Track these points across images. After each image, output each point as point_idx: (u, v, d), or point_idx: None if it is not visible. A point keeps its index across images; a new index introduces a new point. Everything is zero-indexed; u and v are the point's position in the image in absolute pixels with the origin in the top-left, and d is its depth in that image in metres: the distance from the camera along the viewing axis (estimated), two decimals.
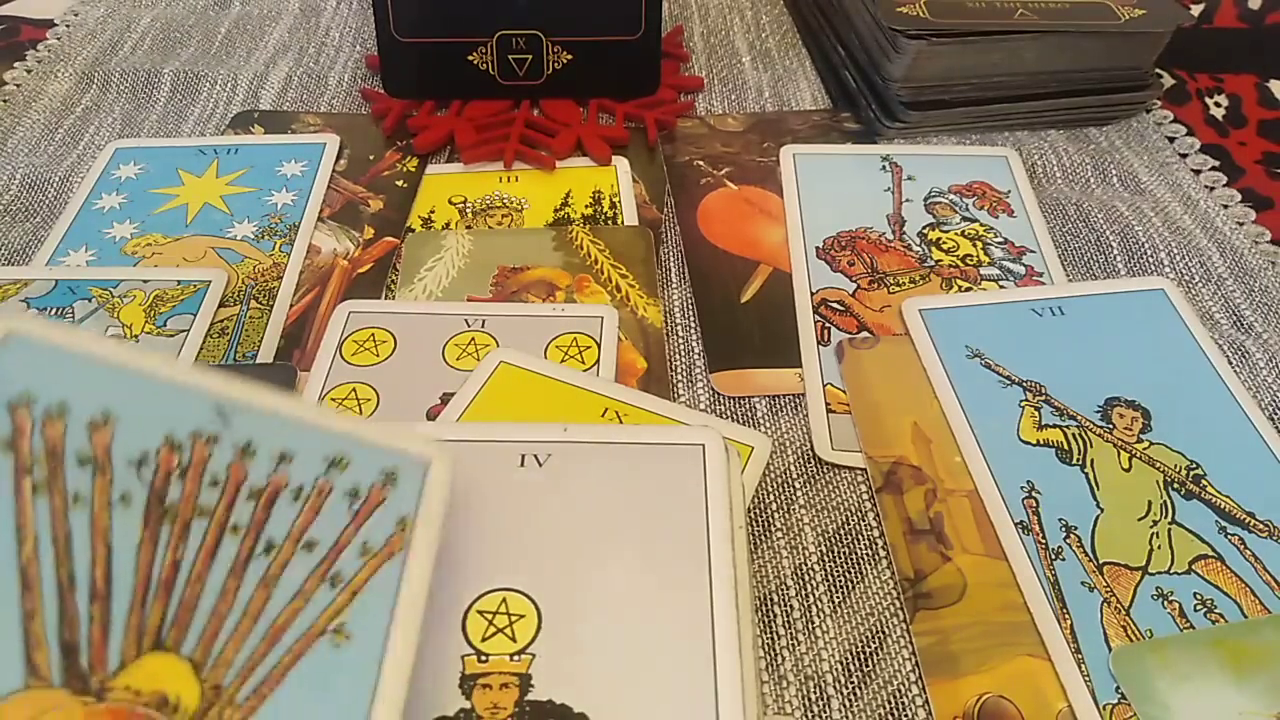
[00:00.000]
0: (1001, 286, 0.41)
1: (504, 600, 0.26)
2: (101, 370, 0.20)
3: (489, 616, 0.25)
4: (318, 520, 0.20)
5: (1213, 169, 0.49)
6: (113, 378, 0.20)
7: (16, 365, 0.20)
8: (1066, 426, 0.35)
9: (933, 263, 0.42)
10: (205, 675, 0.18)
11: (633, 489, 0.28)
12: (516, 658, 0.25)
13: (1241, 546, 0.31)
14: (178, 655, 0.18)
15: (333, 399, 0.35)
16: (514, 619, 0.25)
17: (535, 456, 0.30)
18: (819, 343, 0.38)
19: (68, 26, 0.58)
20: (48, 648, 0.17)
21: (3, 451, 0.19)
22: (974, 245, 0.43)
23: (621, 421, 0.33)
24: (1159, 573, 0.30)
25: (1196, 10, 0.59)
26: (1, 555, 0.18)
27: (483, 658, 0.24)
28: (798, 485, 0.34)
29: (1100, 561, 0.30)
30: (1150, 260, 0.43)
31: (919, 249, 0.43)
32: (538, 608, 0.26)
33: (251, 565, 0.20)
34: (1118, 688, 0.27)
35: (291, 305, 0.40)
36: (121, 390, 0.20)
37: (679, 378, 0.37)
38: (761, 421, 0.36)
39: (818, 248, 0.43)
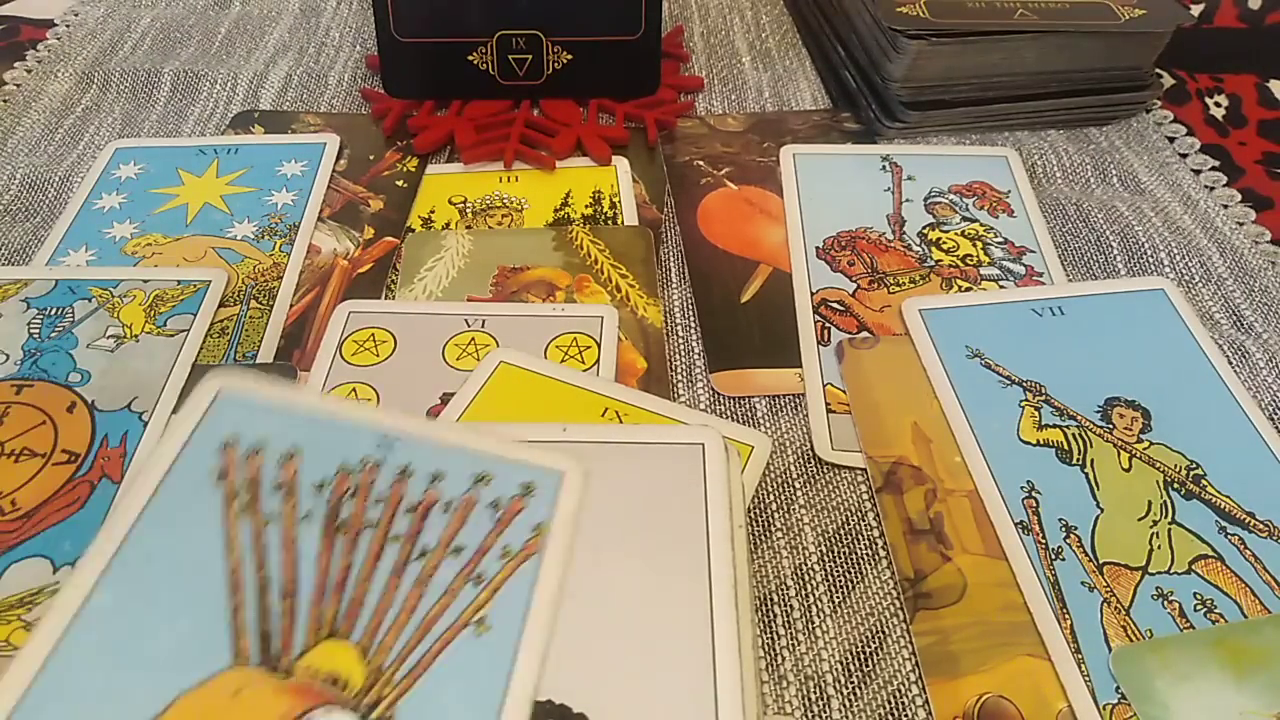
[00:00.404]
0: (1001, 286, 0.41)
1: None
2: (291, 415, 0.26)
3: None
4: (465, 528, 0.24)
5: (1213, 169, 0.49)
6: (299, 420, 0.25)
7: (226, 415, 0.25)
8: (1066, 426, 0.35)
9: (933, 263, 0.42)
10: (370, 659, 0.22)
11: (632, 488, 0.28)
12: None
13: (1241, 546, 0.31)
14: (348, 642, 0.22)
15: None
16: None
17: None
18: (819, 343, 0.38)
19: (68, 26, 0.58)
20: (249, 636, 0.21)
21: (216, 483, 0.24)
22: (974, 245, 0.43)
23: (621, 421, 0.33)
24: (1159, 573, 0.30)
25: (1196, 10, 0.59)
26: (214, 564, 0.22)
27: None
28: (798, 485, 0.34)
29: (1100, 561, 0.30)
30: (1150, 260, 0.43)
31: (919, 249, 0.43)
32: None
33: (409, 568, 0.23)
34: (1118, 688, 0.27)
35: (291, 305, 0.40)
36: (306, 430, 0.25)
37: (679, 378, 0.37)
38: (761, 421, 0.36)
39: (818, 248, 0.43)
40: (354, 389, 0.35)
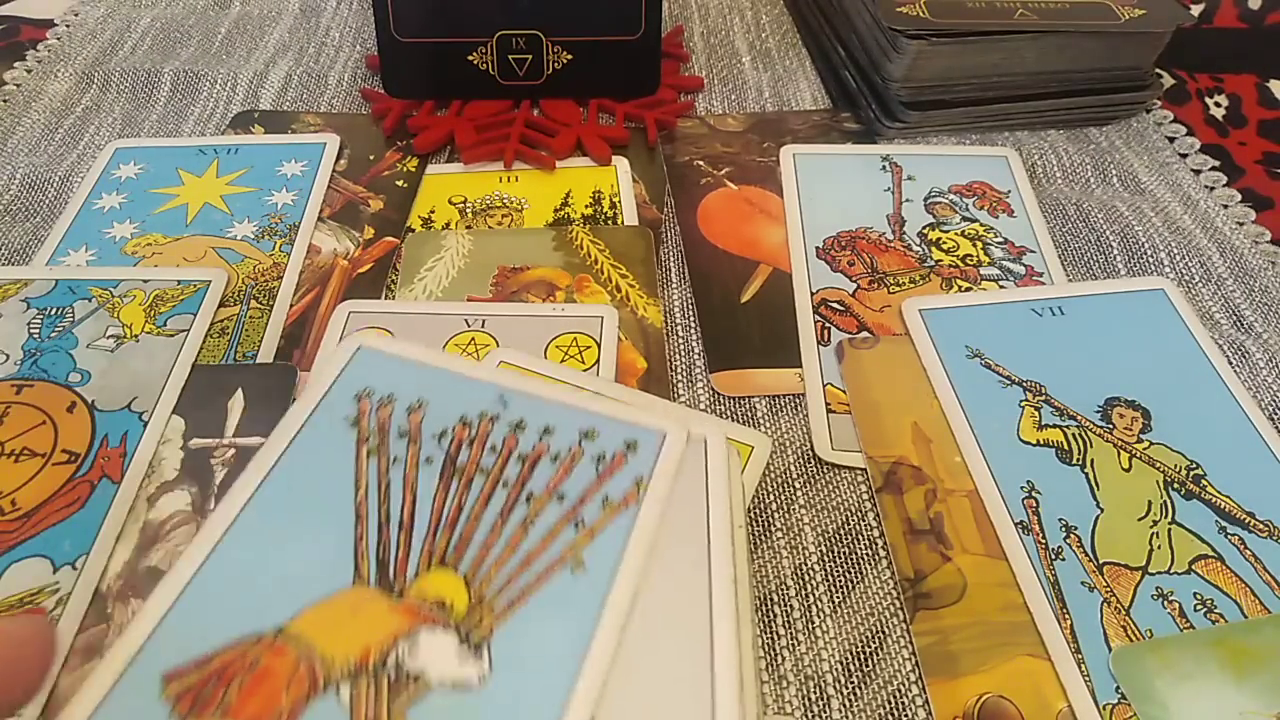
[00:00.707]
0: (1001, 286, 0.41)
1: None
2: (421, 369, 0.28)
3: None
4: (569, 478, 0.26)
5: (1213, 169, 0.49)
6: (427, 375, 0.28)
7: (362, 369, 0.28)
8: (1066, 426, 0.35)
9: (933, 263, 0.42)
10: (474, 588, 0.24)
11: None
12: None
13: (1241, 546, 0.31)
14: (455, 572, 0.24)
15: None
16: None
17: None
18: (819, 343, 0.38)
19: (68, 26, 0.58)
20: (369, 562, 0.24)
21: (350, 427, 0.27)
22: (974, 245, 0.43)
23: None
24: (1159, 573, 0.30)
25: (1196, 10, 0.59)
26: (344, 497, 0.25)
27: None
28: (798, 485, 0.34)
29: (1100, 561, 0.30)
30: (1150, 260, 0.43)
31: (919, 249, 0.43)
32: None
33: (515, 510, 0.25)
34: (1118, 688, 0.27)
35: (291, 305, 0.40)
36: (432, 384, 0.28)
37: (679, 378, 0.37)
38: (761, 421, 0.36)
39: (818, 248, 0.43)
40: None
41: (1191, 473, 0.33)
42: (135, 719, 0.21)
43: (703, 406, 0.36)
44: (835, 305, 0.40)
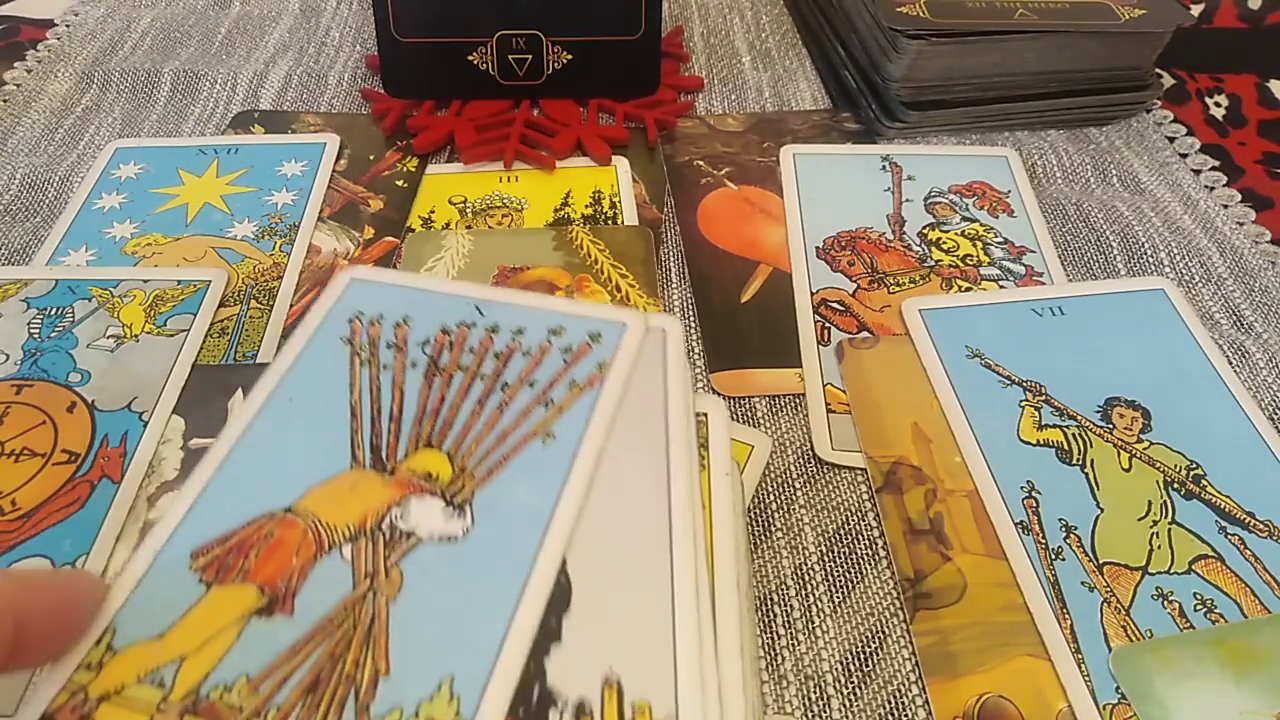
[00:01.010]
0: (1001, 286, 0.41)
1: None
2: (406, 291, 0.32)
3: None
4: (540, 368, 0.29)
5: (1213, 169, 0.49)
6: (413, 295, 0.31)
7: (354, 296, 0.31)
8: (1066, 426, 0.35)
9: (933, 263, 0.42)
10: (456, 461, 0.27)
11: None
12: None
13: (1241, 546, 0.31)
14: (439, 450, 0.27)
15: None
16: None
17: None
18: (819, 343, 0.38)
19: (68, 26, 0.58)
20: (364, 449, 0.27)
21: (344, 344, 0.30)
22: (974, 245, 0.43)
23: None
24: (1159, 573, 0.30)
25: (1196, 10, 0.59)
26: (340, 400, 0.29)
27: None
28: (798, 485, 0.34)
29: (1100, 561, 0.30)
30: (1150, 260, 0.43)
31: (919, 249, 0.43)
32: None
33: (492, 397, 0.29)
34: (1118, 688, 0.27)
35: (291, 305, 0.40)
36: (417, 302, 0.31)
37: None
38: (761, 421, 0.36)
39: (818, 248, 0.43)
40: None
41: (1191, 473, 0.33)
42: (169, 589, 0.24)
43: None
44: (835, 305, 0.40)
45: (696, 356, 0.38)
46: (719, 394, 0.36)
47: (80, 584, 0.24)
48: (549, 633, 0.25)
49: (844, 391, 0.36)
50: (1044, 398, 0.35)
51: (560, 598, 0.26)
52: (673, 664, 0.25)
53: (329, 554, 0.25)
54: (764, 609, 0.30)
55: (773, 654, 0.29)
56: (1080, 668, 0.28)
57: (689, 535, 0.27)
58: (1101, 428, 0.34)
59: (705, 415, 0.31)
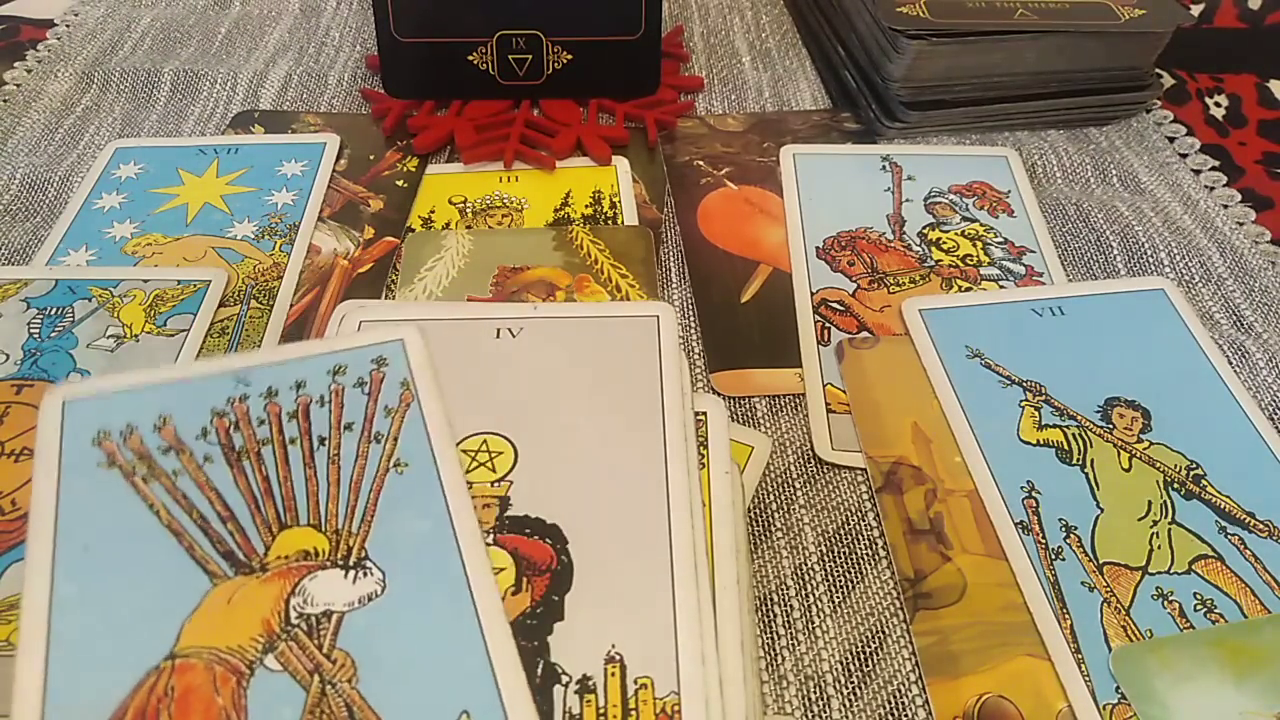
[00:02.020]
0: (1001, 286, 0.41)
1: (484, 441, 0.30)
2: (141, 394, 0.28)
3: (471, 454, 0.30)
4: (345, 409, 0.28)
5: (1213, 169, 0.49)
6: (152, 395, 0.28)
7: (80, 419, 0.27)
8: (1066, 426, 0.34)
9: (933, 263, 0.42)
10: (324, 528, 0.25)
11: (597, 352, 0.32)
12: (496, 484, 0.29)
13: (1241, 546, 0.31)
14: (300, 525, 0.25)
15: None
16: (494, 455, 0.30)
17: (509, 330, 0.34)
18: (819, 343, 0.38)
19: (68, 26, 0.58)
20: (215, 560, 0.25)
21: (107, 468, 0.26)
22: (974, 245, 0.43)
23: None
24: (1159, 573, 0.30)
25: (1196, 10, 0.59)
26: (151, 527, 0.25)
27: (468, 486, 0.29)
28: (798, 485, 0.34)
29: (1100, 561, 0.30)
30: (1150, 260, 0.43)
31: (919, 249, 0.43)
32: (514, 447, 0.30)
33: (317, 455, 0.27)
34: (1118, 688, 0.27)
35: (291, 305, 0.40)
36: (163, 399, 0.28)
37: None
38: (761, 421, 0.36)
39: (818, 248, 0.43)
40: None
41: (1191, 473, 0.33)
42: None
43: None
44: (835, 305, 0.40)
45: (696, 356, 0.38)
46: (718, 394, 0.36)
47: None
48: (551, 611, 0.25)
49: (844, 391, 0.36)
50: (1044, 398, 0.35)
51: (562, 577, 0.26)
52: (674, 642, 0.25)
53: (253, 675, 0.23)
54: (764, 609, 0.30)
55: (773, 654, 0.29)
56: (1080, 668, 0.28)
57: (687, 516, 0.27)
58: (1101, 428, 0.34)
59: (705, 414, 0.31)
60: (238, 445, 0.27)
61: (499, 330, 0.34)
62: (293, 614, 0.23)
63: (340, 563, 0.25)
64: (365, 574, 0.24)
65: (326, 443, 0.27)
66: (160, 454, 0.27)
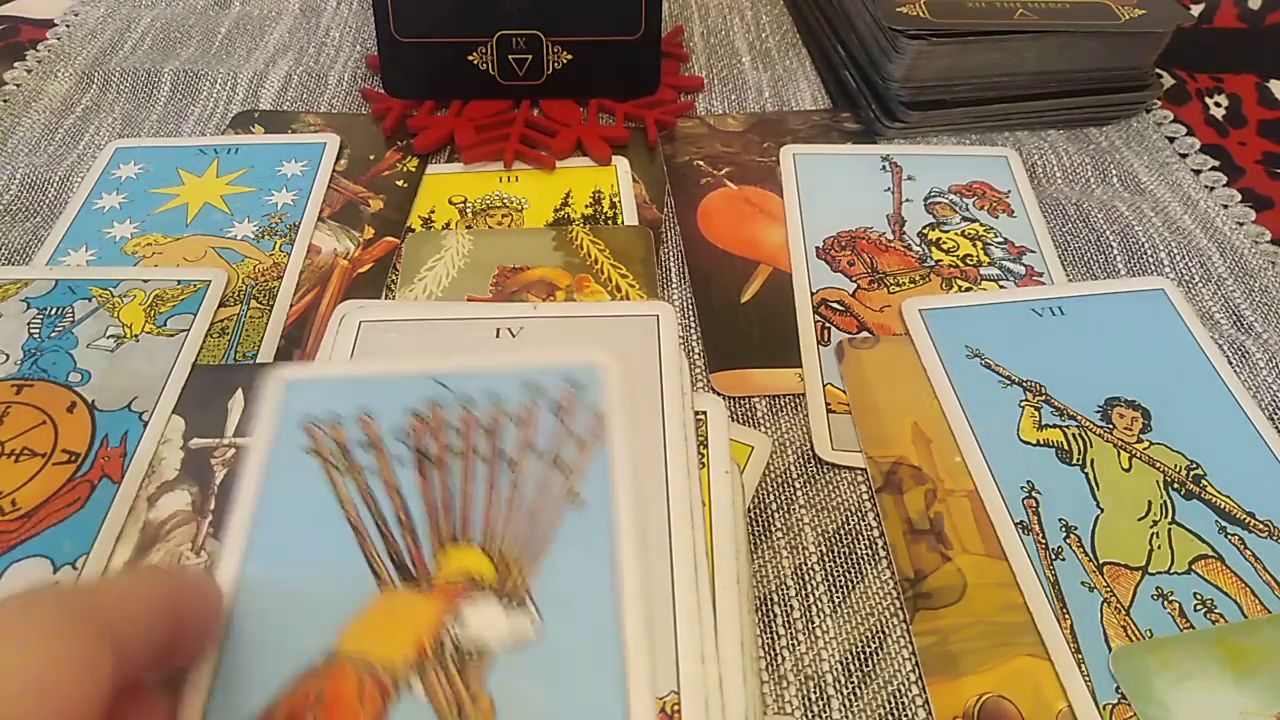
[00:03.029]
0: (1001, 286, 0.41)
1: None
2: (353, 384, 0.29)
3: None
4: (536, 432, 0.27)
5: (1213, 169, 0.49)
6: (362, 386, 0.29)
7: (297, 399, 0.28)
8: (1066, 426, 0.34)
9: (933, 263, 0.42)
10: (493, 554, 0.25)
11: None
12: None
13: (1241, 546, 0.31)
14: (470, 546, 0.25)
15: None
16: None
17: (509, 330, 0.34)
18: (819, 343, 0.38)
19: (68, 26, 0.58)
20: (385, 565, 0.25)
21: (310, 456, 0.27)
22: (974, 245, 0.43)
23: None
24: (1159, 573, 0.30)
25: (1196, 10, 0.59)
26: (334, 518, 0.25)
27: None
28: (798, 485, 0.34)
29: (1100, 561, 0.30)
30: (1150, 260, 0.43)
31: (919, 249, 0.43)
32: None
33: (501, 475, 0.26)
34: (1118, 688, 0.27)
35: (291, 305, 0.40)
36: (371, 393, 0.28)
37: None
38: (761, 421, 0.36)
39: (818, 248, 0.43)
40: None
41: (1191, 473, 0.33)
42: None
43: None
44: (835, 305, 0.40)
45: (697, 356, 0.38)
46: (718, 394, 0.36)
47: (209, 585, 0.23)
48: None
49: (844, 391, 0.36)
50: (1044, 398, 0.35)
51: None
52: (674, 642, 0.25)
53: (398, 697, 0.22)
54: (764, 609, 0.30)
55: (773, 654, 0.29)
56: (1080, 668, 0.28)
57: (687, 516, 0.27)
58: (1101, 428, 0.34)
59: (704, 414, 0.31)
60: (430, 451, 0.27)
61: (499, 330, 0.34)
62: (448, 640, 0.23)
63: (502, 595, 0.24)
64: (523, 613, 0.24)
65: (512, 464, 0.27)
66: (358, 449, 0.27)
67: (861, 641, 0.29)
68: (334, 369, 0.30)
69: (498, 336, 0.34)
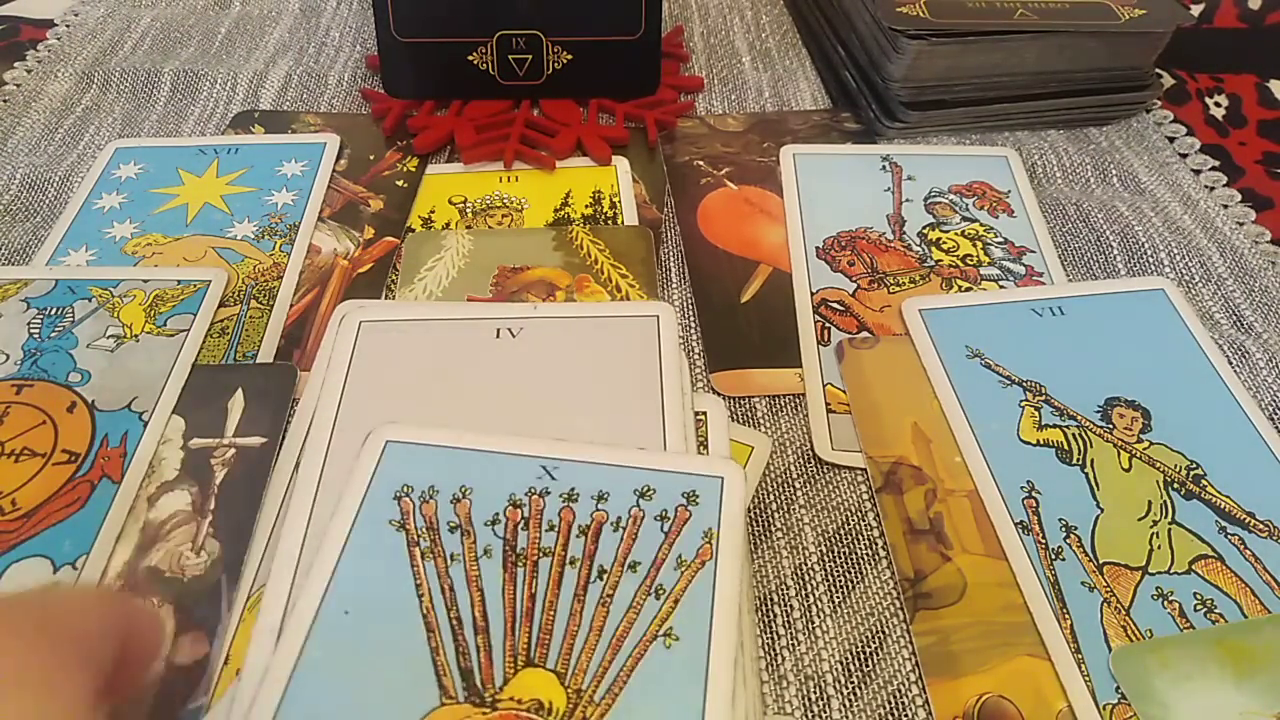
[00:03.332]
0: (1001, 286, 0.41)
1: None
2: (455, 455, 0.26)
3: None
4: (637, 543, 0.25)
5: (1213, 169, 0.49)
6: (463, 459, 0.26)
7: (394, 465, 0.26)
8: (1066, 426, 0.35)
9: (933, 263, 0.42)
10: (568, 682, 0.22)
11: (597, 352, 0.31)
12: None
13: (1241, 546, 0.31)
14: (545, 669, 0.22)
15: None
16: None
17: (509, 330, 0.34)
18: (819, 343, 0.38)
19: (68, 26, 0.58)
20: (452, 674, 0.22)
21: (396, 530, 0.25)
22: (974, 245, 0.43)
23: None
24: (1159, 573, 0.30)
25: (1196, 10, 0.59)
26: (408, 608, 0.23)
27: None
28: (798, 485, 0.34)
29: (1100, 561, 0.30)
30: (1150, 260, 0.43)
31: (919, 249, 0.43)
32: None
33: (590, 589, 0.24)
34: (1118, 688, 0.27)
35: (291, 305, 0.40)
36: (471, 468, 0.26)
37: None
38: (761, 421, 0.36)
39: (818, 248, 0.43)
40: None
41: (1191, 473, 0.33)
42: None
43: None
44: (835, 305, 0.40)
45: (696, 356, 0.38)
46: (718, 394, 0.36)
47: (155, 615, 0.23)
48: None
49: (844, 391, 0.36)
50: (1044, 398, 0.35)
51: None
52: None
53: None
54: (764, 609, 0.30)
55: (773, 654, 0.29)
56: (1080, 668, 0.28)
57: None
58: (1101, 428, 0.34)
59: (704, 414, 0.31)
60: (519, 546, 0.24)
61: (499, 330, 0.34)
62: None
63: None
64: None
65: (604, 578, 0.24)
66: (447, 531, 0.25)
67: (861, 641, 0.29)
68: (437, 433, 0.27)
69: (498, 337, 0.34)
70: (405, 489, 0.25)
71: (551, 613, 0.23)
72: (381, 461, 0.26)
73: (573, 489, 0.25)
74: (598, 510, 0.25)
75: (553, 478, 0.26)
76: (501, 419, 0.29)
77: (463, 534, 0.24)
